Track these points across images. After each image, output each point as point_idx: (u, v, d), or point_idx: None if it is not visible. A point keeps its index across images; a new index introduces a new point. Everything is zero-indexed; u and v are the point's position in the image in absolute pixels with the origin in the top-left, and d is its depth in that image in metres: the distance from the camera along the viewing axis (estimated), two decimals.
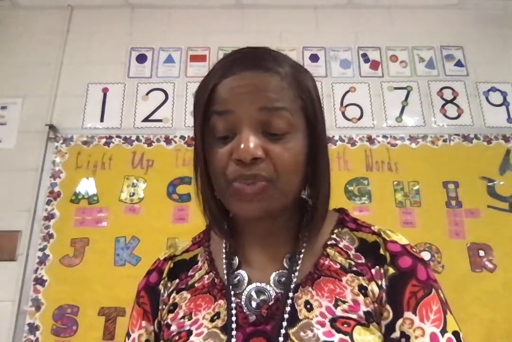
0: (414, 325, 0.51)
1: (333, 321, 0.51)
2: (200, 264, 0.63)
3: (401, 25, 2.24)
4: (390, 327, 0.52)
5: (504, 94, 2.11)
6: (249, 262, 0.60)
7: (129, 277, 1.67)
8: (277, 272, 0.57)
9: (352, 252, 0.58)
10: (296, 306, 0.53)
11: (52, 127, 1.99)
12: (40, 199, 1.89)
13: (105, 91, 2.10)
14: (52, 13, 2.23)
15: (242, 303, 0.56)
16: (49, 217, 1.86)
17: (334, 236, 0.60)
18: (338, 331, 0.50)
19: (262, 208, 0.53)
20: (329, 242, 0.59)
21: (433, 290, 0.54)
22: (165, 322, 0.60)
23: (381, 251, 0.57)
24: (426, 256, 1.78)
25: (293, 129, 0.55)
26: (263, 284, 0.56)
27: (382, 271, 0.55)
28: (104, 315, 1.72)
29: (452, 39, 2.21)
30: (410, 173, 1.93)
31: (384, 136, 2.00)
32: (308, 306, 0.53)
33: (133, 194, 1.90)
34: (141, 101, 2.09)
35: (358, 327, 0.51)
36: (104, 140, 1.99)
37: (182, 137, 2.00)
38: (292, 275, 0.55)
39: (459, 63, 2.17)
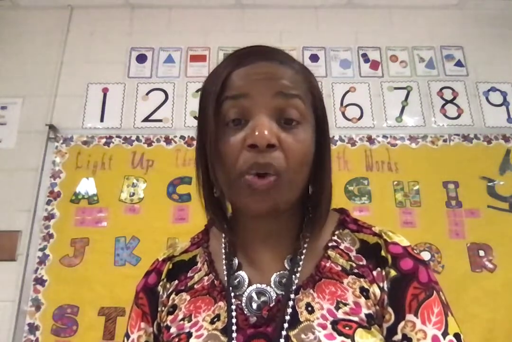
0: (416, 328, 0.51)
1: (334, 324, 0.51)
2: (199, 265, 0.63)
3: (401, 25, 2.24)
4: (392, 330, 0.52)
5: (504, 94, 2.11)
6: (249, 263, 0.59)
7: (129, 277, 1.67)
8: (277, 273, 0.57)
9: (353, 254, 0.58)
10: (297, 308, 0.53)
11: (52, 127, 1.99)
12: (40, 199, 1.89)
13: (105, 91, 2.10)
14: (52, 13, 2.23)
15: (243, 304, 0.55)
16: (49, 217, 1.86)
17: (335, 238, 0.59)
18: (340, 333, 0.50)
19: (271, 202, 0.53)
20: (330, 244, 0.59)
21: (435, 292, 0.54)
22: (165, 324, 0.59)
23: (383, 253, 0.56)
24: (426, 256, 1.78)
25: (304, 121, 0.55)
26: (264, 285, 0.56)
27: (383, 273, 0.55)
28: (104, 315, 1.72)
29: (452, 39, 2.21)
30: (410, 172, 1.93)
31: (384, 136, 2.00)
32: (309, 309, 0.53)
33: (133, 194, 1.90)
34: (141, 101, 2.09)
35: (359, 330, 0.50)
36: (104, 140, 1.99)
37: (182, 137, 2.00)
38: (293, 276, 0.55)
39: (459, 63, 2.17)
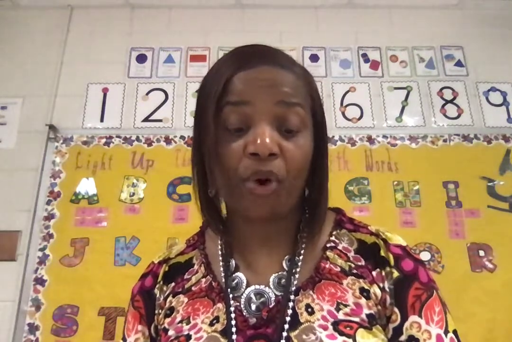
0: (422, 328, 0.52)
1: (335, 324, 0.51)
2: (196, 267, 0.62)
3: (401, 25, 2.23)
4: (398, 330, 0.53)
5: (504, 94, 2.11)
6: (247, 264, 0.59)
7: (129, 277, 1.66)
8: (276, 274, 0.56)
9: (351, 254, 0.58)
10: (297, 309, 0.53)
11: (52, 127, 1.99)
12: (40, 199, 1.89)
13: (105, 91, 2.10)
14: (52, 13, 2.23)
15: (242, 306, 0.55)
16: (49, 217, 1.86)
17: (333, 238, 0.59)
18: (341, 334, 0.50)
19: (271, 207, 0.53)
20: (328, 245, 0.59)
21: (434, 291, 0.55)
22: (162, 326, 0.59)
23: (382, 253, 0.56)
24: (426, 256, 1.78)
25: (304, 128, 0.55)
26: (262, 286, 0.56)
27: (383, 273, 0.55)
28: (104, 315, 1.72)
29: (452, 39, 2.21)
30: (410, 172, 1.93)
31: (384, 136, 2.00)
32: (309, 310, 0.53)
33: (133, 194, 1.90)
34: (141, 101, 2.09)
35: (361, 330, 0.51)
36: (104, 140, 1.99)
37: (182, 137, 2.00)
38: (292, 277, 0.55)
39: (459, 63, 2.17)
